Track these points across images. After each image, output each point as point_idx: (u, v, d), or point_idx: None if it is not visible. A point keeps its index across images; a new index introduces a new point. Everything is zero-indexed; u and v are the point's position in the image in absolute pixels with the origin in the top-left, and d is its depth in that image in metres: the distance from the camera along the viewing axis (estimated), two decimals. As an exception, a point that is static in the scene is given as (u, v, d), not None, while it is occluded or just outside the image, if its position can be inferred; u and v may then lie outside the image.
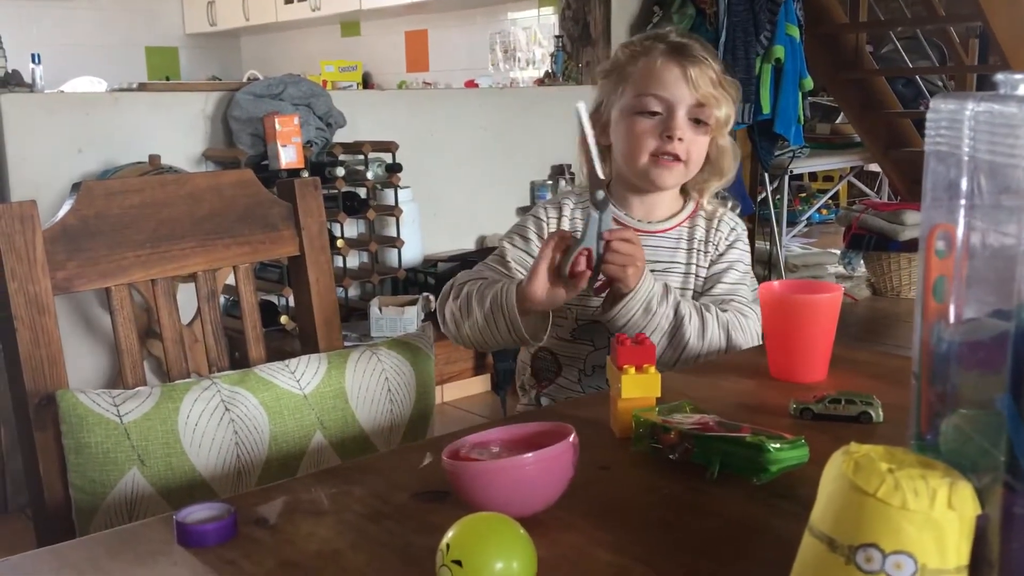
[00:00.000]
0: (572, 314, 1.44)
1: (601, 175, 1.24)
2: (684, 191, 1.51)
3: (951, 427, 0.62)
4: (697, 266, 1.48)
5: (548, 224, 1.49)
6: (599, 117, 1.48)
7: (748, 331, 1.40)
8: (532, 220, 1.50)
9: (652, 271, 1.37)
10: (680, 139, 1.39)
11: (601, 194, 1.23)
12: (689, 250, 1.49)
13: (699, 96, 1.39)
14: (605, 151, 1.46)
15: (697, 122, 1.41)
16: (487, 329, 1.32)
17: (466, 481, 0.79)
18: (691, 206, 1.51)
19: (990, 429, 0.56)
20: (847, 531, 0.56)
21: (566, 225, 1.48)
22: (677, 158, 1.40)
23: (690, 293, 1.46)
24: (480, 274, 1.43)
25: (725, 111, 1.43)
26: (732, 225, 1.52)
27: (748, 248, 1.54)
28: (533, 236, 1.47)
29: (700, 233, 1.50)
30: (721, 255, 1.49)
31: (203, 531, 0.78)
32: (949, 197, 0.61)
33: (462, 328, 1.37)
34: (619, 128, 1.44)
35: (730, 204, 1.55)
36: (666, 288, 1.34)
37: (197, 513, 0.81)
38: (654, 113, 1.40)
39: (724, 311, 1.39)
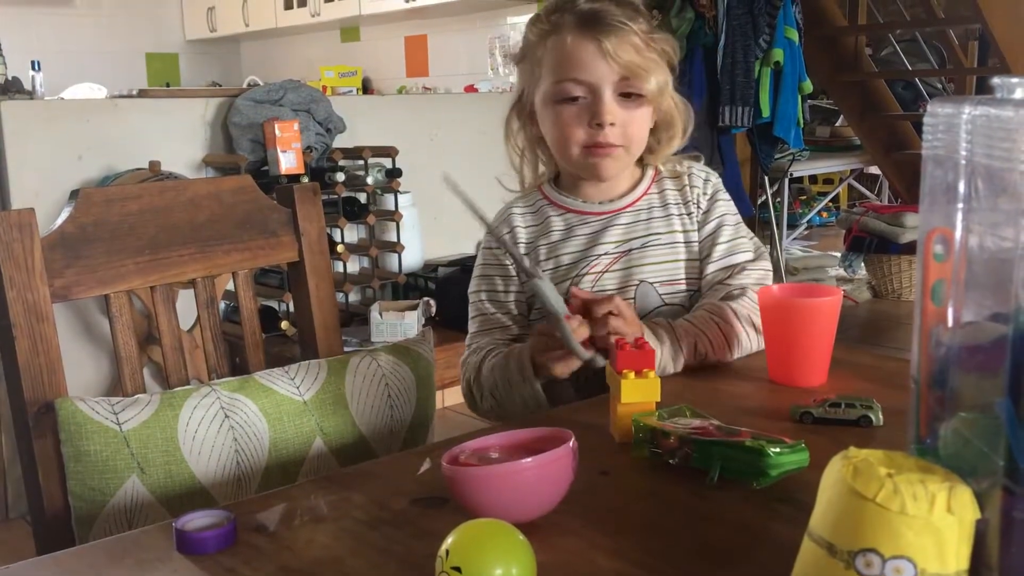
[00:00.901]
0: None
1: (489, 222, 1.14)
2: (639, 159, 1.36)
3: (950, 431, 0.62)
4: (685, 232, 1.34)
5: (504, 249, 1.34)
6: (523, 107, 1.35)
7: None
8: (488, 255, 1.37)
9: (631, 249, 1.31)
10: (612, 124, 1.24)
11: (527, 261, 1.11)
12: (667, 217, 1.34)
13: (622, 70, 1.23)
14: (540, 142, 1.36)
15: (628, 96, 1.25)
16: (517, 410, 1.24)
17: (465, 487, 0.78)
18: (651, 172, 1.37)
19: (989, 433, 0.56)
20: (846, 536, 0.56)
21: (522, 235, 1.36)
22: (614, 145, 1.26)
23: (683, 263, 1.33)
24: (479, 349, 1.31)
25: (658, 79, 1.26)
26: (704, 176, 1.38)
27: (729, 197, 1.39)
28: (495, 272, 1.35)
29: (672, 196, 1.36)
30: (707, 213, 1.35)
31: (202, 538, 0.78)
32: (947, 201, 0.61)
33: (508, 411, 1.26)
34: (545, 119, 1.30)
35: (696, 157, 1.41)
36: (674, 336, 1.21)
37: (196, 520, 0.81)
38: (577, 98, 1.25)
39: (738, 294, 1.27)
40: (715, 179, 1.39)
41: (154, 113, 3.30)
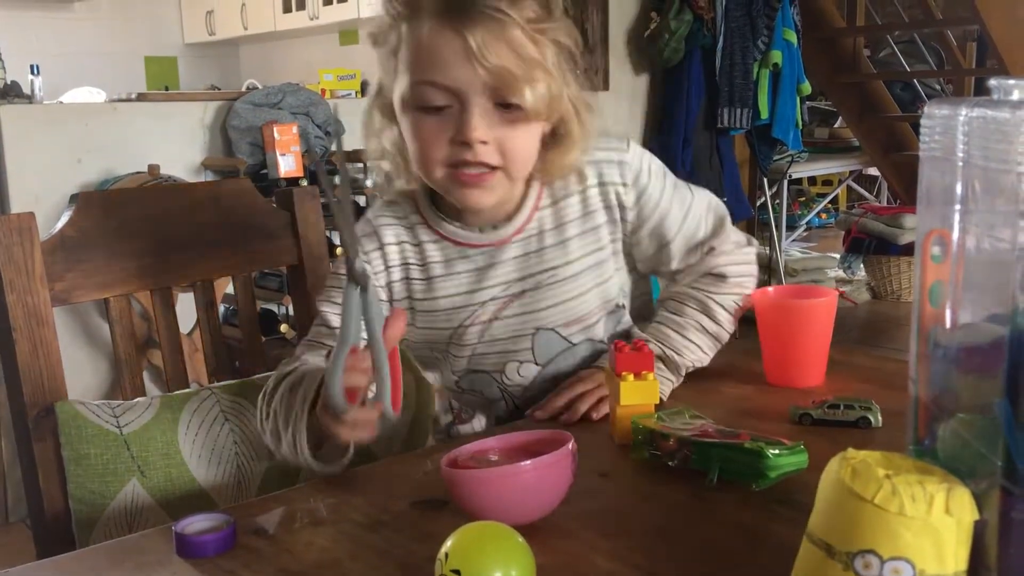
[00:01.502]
0: (452, 366, 1.16)
1: (357, 240, 0.89)
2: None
3: (948, 432, 0.62)
4: (600, 249, 1.11)
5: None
6: (383, 99, 1.05)
7: (743, 268, 1.16)
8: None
9: (524, 291, 1.10)
10: (483, 142, 0.97)
11: (360, 266, 0.82)
12: (561, 244, 1.09)
13: (491, 77, 0.94)
14: (404, 143, 1.05)
15: (508, 107, 0.97)
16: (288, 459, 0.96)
17: (465, 489, 0.79)
18: (536, 184, 1.10)
19: (987, 434, 0.56)
20: (845, 537, 0.56)
21: (394, 258, 1.11)
22: (488, 165, 0.99)
23: (592, 292, 1.12)
24: (302, 360, 1.04)
25: (543, 87, 0.97)
26: (617, 160, 1.10)
27: (654, 164, 1.12)
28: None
29: (573, 208, 1.09)
30: (639, 209, 1.11)
31: (202, 542, 0.78)
32: (944, 202, 0.62)
33: (284, 454, 0.97)
34: (404, 127, 1.02)
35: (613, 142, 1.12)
36: (678, 369, 1.13)
37: (196, 524, 0.81)
38: (441, 107, 0.97)
39: (718, 276, 1.15)
40: (628, 156, 1.10)
41: (153, 117, 3.30)
